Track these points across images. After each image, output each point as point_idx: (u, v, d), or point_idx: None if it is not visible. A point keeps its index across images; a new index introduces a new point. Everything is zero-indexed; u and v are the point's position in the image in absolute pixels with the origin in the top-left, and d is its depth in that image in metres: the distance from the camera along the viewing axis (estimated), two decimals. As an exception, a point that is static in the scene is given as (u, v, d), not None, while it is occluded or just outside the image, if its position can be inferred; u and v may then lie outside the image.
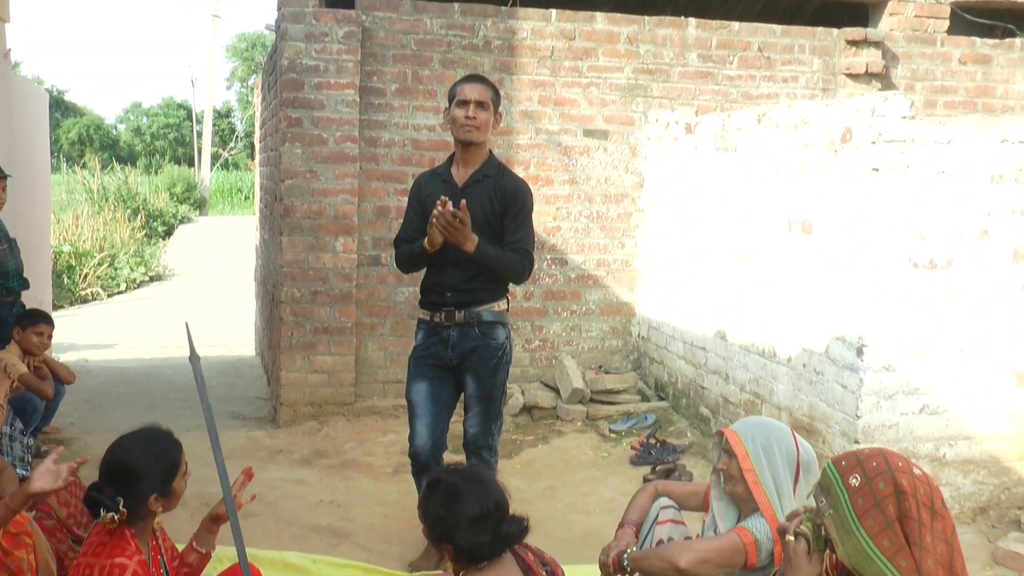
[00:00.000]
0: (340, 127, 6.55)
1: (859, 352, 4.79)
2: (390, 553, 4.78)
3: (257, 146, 10.28)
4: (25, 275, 6.40)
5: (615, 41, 7.12)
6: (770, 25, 7.42)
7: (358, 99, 6.59)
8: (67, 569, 4.14)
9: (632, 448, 6.21)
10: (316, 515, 5.23)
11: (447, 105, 4.40)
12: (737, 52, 7.35)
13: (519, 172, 6.95)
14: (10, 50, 7.67)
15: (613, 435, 6.54)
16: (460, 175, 4.40)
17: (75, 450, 6.17)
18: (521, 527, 2.93)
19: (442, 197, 4.17)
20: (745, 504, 3.45)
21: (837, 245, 5.02)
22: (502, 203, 4.32)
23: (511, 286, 4.58)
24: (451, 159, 4.51)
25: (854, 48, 7.37)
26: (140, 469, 3.18)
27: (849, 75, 7.38)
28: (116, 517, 3.09)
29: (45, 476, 3.24)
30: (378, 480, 5.81)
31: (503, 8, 6.99)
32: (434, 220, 4.16)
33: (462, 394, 4.60)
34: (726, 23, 7.35)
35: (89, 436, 6.50)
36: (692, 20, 7.29)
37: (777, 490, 3.30)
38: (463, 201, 4.15)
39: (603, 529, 5.10)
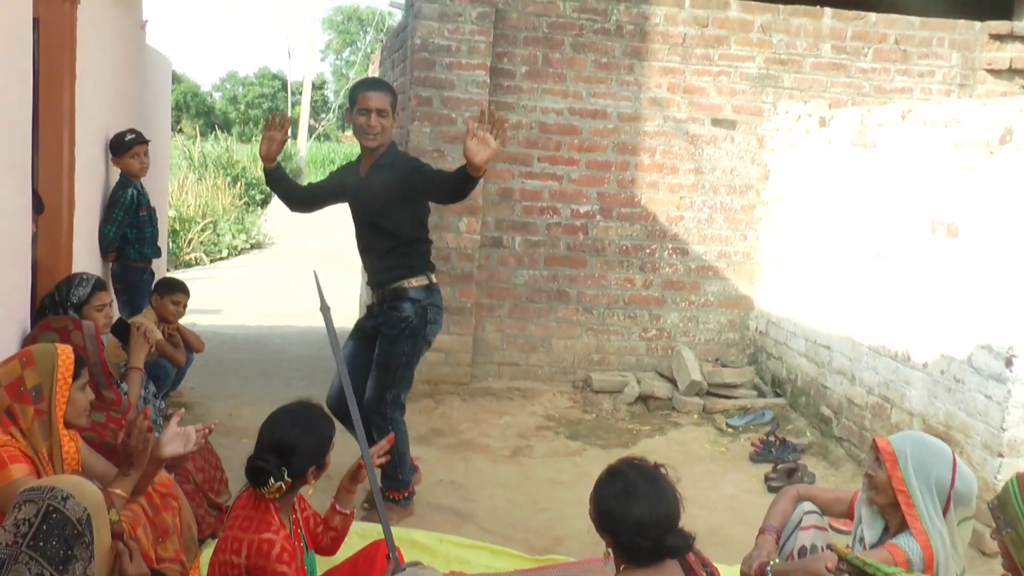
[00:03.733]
0: (469, 107, 6.55)
1: (1008, 362, 4.62)
2: (514, 538, 4.79)
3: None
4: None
5: (748, 29, 6.98)
6: (908, 17, 7.19)
7: (488, 80, 6.58)
8: (203, 532, 4.25)
9: (752, 445, 6.12)
10: (438, 495, 5.27)
11: (349, 106, 4.71)
12: (872, 44, 7.15)
13: (644, 160, 6.95)
14: (147, 21, 7.83)
15: (730, 430, 6.45)
16: (363, 168, 4.80)
17: (198, 414, 6.31)
18: (686, 543, 2.89)
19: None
20: (892, 517, 3.37)
21: (987, 250, 4.84)
22: (403, 176, 4.63)
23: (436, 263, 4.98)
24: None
25: (997, 42, 7.11)
26: (299, 445, 3.24)
27: (990, 71, 7.13)
28: (283, 486, 3.15)
29: (175, 441, 3.31)
30: (496, 462, 5.83)
31: (637, -8, 6.92)
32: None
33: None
34: (863, 14, 7.15)
35: (210, 401, 6.63)
36: (828, 10, 7.11)
37: (928, 513, 3.21)
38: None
39: (726, 527, 5.04)
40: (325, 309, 4.23)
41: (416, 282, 4.74)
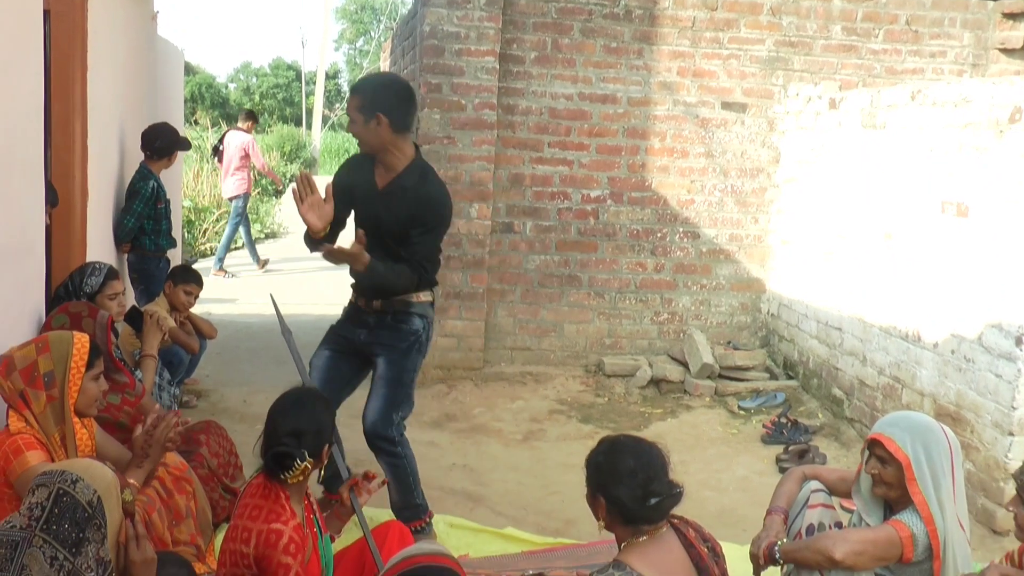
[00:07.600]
0: (479, 94, 6.57)
1: (1018, 341, 4.62)
2: (525, 520, 4.83)
3: (382, 109, 10.37)
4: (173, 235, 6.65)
5: (758, 12, 6.97)
6: (919, -3, 7.17)
7: (497, 66, 6.60)
8: (218, 517, 4.29)
9: (764, 427, 6.14)
10: (450, 479, 5.31)
11: None
12: (883, 25, 7.12)
13: (654, 144, 6.92)
14: (158, 12, 7.89)
15: (742, 412, 6.47)
16: (380, 176, 4.18)
17: (213, 401, 6.39)
18: (672, 490, 2.92)
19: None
20: (896, 503, 3.37)
21: (997, 229, 4.83)
22: (416, 212, 4.06)
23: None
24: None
25: (1011, 21, 7.06)
26: (312, 426, 3.22)
27: (1003, 50, 7.08)
28: (308, 466, 3.17)
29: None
30: (508, 446, 5.87)
31: (646, -24, 6.90)
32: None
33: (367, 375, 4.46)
34: (873, -6, 7.13)
35: (225, 388, 6.69)
36: (838, -9, 7.08)
37: (937, 496, 3.21)
38: (360, 232, 3.98)
39: (737, 508, 5.08)
40: (287, 333, 4.09)
41: (424, 296, 4.29)
